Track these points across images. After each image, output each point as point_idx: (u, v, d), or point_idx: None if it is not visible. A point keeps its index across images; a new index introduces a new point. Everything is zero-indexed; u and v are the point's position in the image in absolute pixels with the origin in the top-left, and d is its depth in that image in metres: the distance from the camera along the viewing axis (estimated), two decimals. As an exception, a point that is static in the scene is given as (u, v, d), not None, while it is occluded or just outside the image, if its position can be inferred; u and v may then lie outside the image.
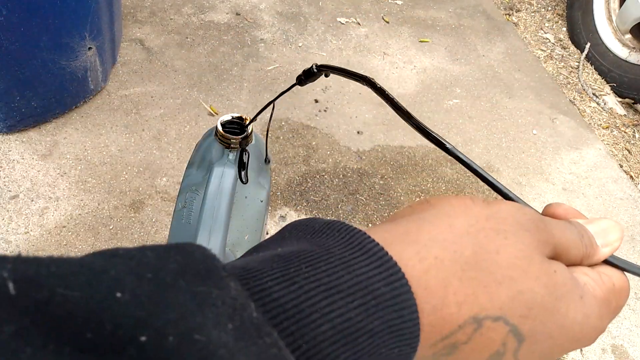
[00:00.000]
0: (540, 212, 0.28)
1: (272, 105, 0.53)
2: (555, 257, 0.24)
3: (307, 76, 0.42)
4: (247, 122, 0.59)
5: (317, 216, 1.52)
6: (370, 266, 0.20)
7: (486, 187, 1.68)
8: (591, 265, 0.26)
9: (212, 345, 0.14)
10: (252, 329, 0.16)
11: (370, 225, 1.51)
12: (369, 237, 0.21)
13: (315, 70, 0.40)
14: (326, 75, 0.40)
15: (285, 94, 0.52)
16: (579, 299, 0.23)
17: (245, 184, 0.61)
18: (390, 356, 0.20)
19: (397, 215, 0.25)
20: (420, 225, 0.22)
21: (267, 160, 0.68)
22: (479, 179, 0.28)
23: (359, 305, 0.19)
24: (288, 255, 0.20)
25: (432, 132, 0.29)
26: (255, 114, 0.59)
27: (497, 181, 0.28)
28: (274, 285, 0.18)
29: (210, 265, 0.17)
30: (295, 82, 0.44)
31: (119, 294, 0.14)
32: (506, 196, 0.27)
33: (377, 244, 0.21)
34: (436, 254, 0.21)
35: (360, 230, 0.21)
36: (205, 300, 0.15)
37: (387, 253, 0.20)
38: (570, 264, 0.25)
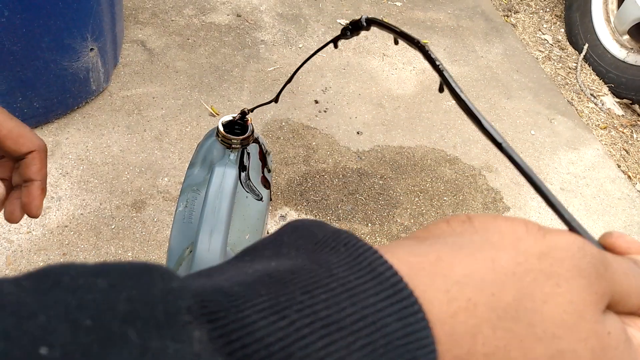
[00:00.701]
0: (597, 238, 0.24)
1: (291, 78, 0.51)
2: (611, 304, 0.21)
3: (354, 28, 0.38)
4: (250, 110, 0.59)
5: (317, 216, 1.53)
6: (380, 295, 0.17)
7: (485, 187, 1.69)
8: None
9: None
10: None
11: (370, 225, 1.52)
12: (380, 256, 0.18)
13: (364, 23, 0.37)
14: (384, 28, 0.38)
15: (284, 94, 0.52)
16: None
17: (259, 199, 0.61)
18: None
19: (429, 232, 0.21)
20: (456, 254, 0.19)
21: (268, 169, 0.68)
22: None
23: (363, 346, 0.15)
24: (281, 276, 0.17)
25: (489, 124, 0.26)
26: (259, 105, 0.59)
27: (557, 199, 0.23)
28: (259, 320, 0.15)
29: (170, 306, 0.14)
30: (339, 34, 0.40)
31: (44, 350, 0.11)
32: (566, 221, 0.23)
33: (390, 266, 0.17)
34: (470, 295, 0.18)
35: (371, 248, 0.18)
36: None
37: (401, 279, 0.17)
38: (625, 312, 0.21)
